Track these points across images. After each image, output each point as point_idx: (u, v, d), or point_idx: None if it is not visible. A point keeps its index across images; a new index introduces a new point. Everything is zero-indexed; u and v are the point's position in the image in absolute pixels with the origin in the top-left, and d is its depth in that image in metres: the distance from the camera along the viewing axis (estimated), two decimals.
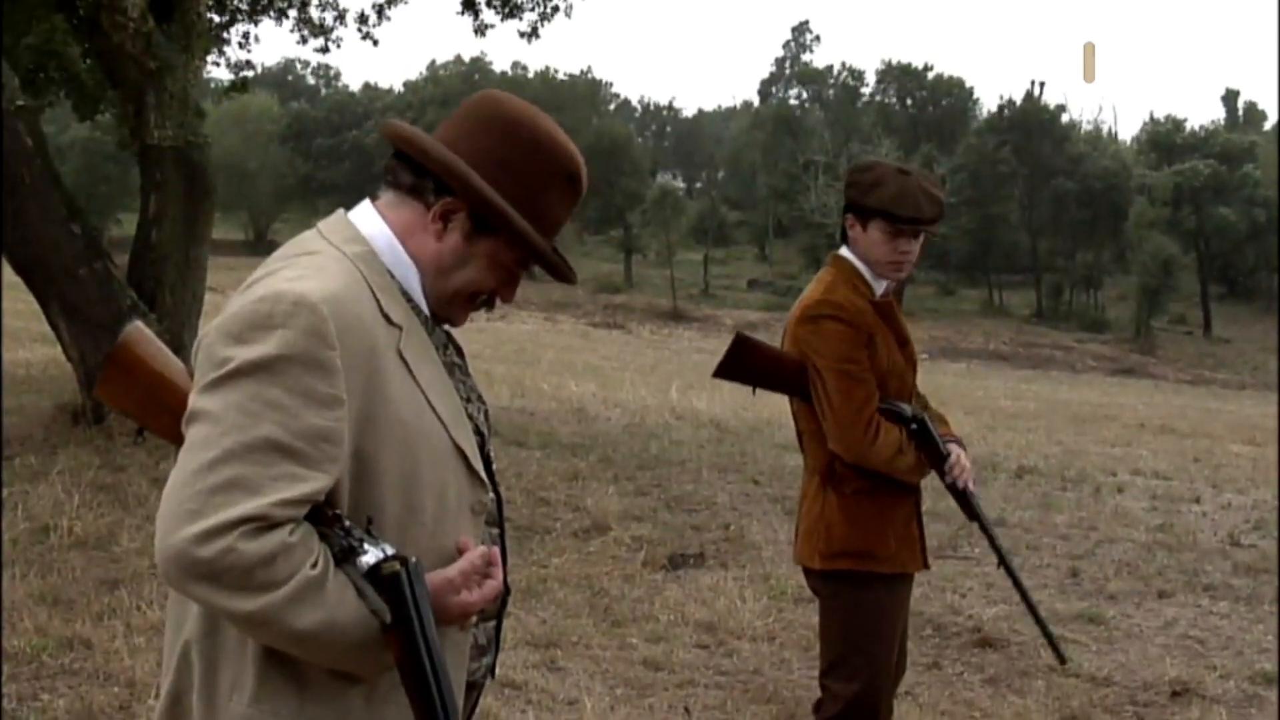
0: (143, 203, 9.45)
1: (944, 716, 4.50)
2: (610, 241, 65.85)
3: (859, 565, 3.04)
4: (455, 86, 66.05)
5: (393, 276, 1.65)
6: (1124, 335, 55.48)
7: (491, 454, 1.77)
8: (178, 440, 1.54)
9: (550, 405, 13.04)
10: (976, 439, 12.14)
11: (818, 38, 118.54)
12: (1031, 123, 64.02)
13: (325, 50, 14.90)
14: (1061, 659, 3.35)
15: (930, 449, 3.06)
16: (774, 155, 66.65)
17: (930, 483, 3.16)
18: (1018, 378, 36.61)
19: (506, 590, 1.71)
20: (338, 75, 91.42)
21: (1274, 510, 8.92)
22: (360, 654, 1.50)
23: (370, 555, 1.47)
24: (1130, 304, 57.85)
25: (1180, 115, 76.99)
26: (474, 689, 1.79)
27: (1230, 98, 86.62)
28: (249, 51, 47.63)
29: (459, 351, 1.79)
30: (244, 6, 13.69)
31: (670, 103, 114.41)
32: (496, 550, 1.65)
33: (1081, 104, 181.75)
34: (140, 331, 1.68)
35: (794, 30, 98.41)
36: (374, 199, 1.72)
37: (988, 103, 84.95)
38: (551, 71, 74.08)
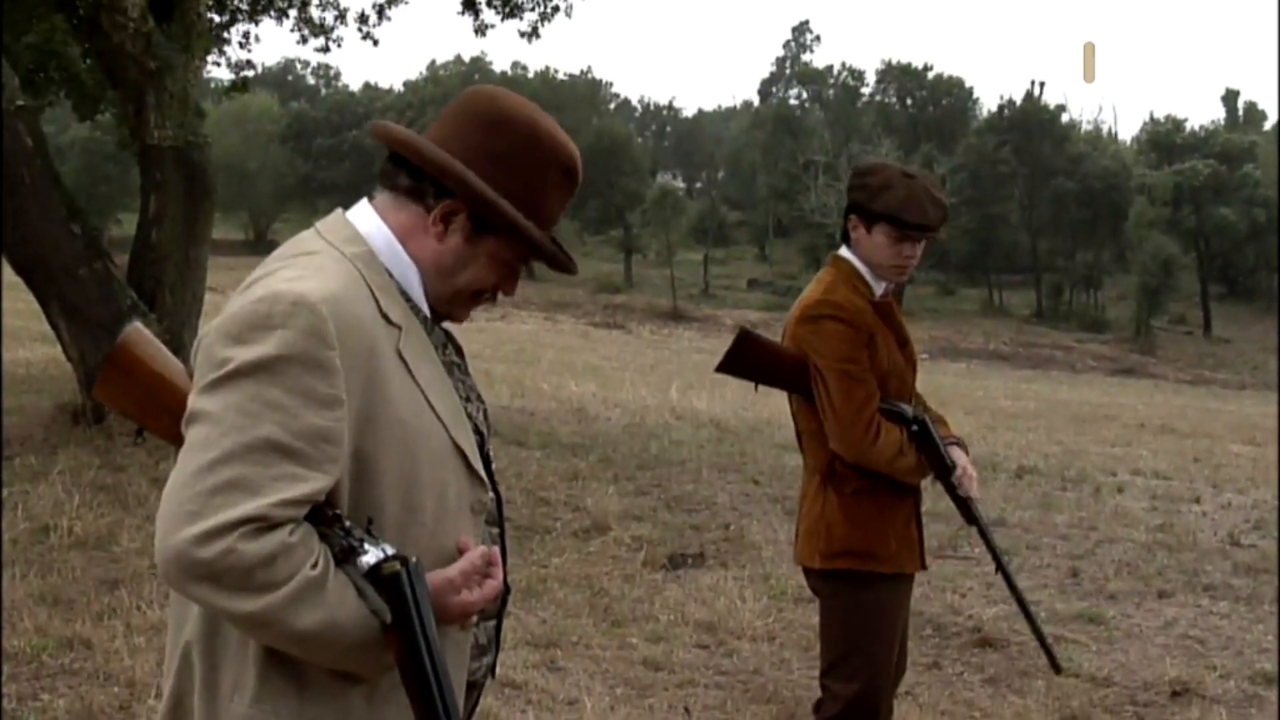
0: (143, 203, 9.46)
1: (944, 716, 4.50)
2: (610, 241, 65.83)
3: (859, 565, 3.04)
4: (455, 86, 65.89)
5: (391, 276, 1.65)
6: (1124, 335, 55.48)
7: (491, 453, 1.77)
8: (177, 441, 1.53)
9: (550, 405, 13.04)
10: (976, 439, 12.13)
11: (818, 38, 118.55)
12: (1031, 123, 64.01)
13: (325, 50, 14.91)
14: (1057, 668, 3.33)
15: (931, 451, 3.06)
16: (774, 155, 66.64)
17: (930, 483, 3.16)
18: (1018, 378, 36.60)
19: (506, 590, 1.71)
20: (338, 75, 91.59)
21: (1274, 510, 8.92)
22: (361, 654, 1.50)
23: (370, 555, 1.47)
24: (1130, 304, 57.84)
25: (1180, 115, 77.26)
26: (474, 688, 1.79)
27: (1230, 98, 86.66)
28: (249, 51, 47.68)
29: (458, 351, 1.79)
30: (244, 6, 13.69)
31: (670, 103, 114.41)
32: (496, 550, 1.65)
33: (1081, 104, 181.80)
34: (139, 332, 1.68)
35: (794, 30, 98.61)
36: (371, 199, 1.72)
37: (988, 103, 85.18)
38: (551, 71, 74.09)
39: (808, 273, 39.89)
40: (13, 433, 8.30)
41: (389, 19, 14.15)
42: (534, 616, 5.30)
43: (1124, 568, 6.90)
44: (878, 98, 74.03)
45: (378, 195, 1.71)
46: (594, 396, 14.46)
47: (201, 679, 1.57)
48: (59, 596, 5.06)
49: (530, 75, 73.04)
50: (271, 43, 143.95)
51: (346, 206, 1.73)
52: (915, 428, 3.04)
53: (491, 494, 1.74)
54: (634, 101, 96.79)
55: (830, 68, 78.39)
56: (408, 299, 1.66)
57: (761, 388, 3.20)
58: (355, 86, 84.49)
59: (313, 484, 1.47)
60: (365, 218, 1.69)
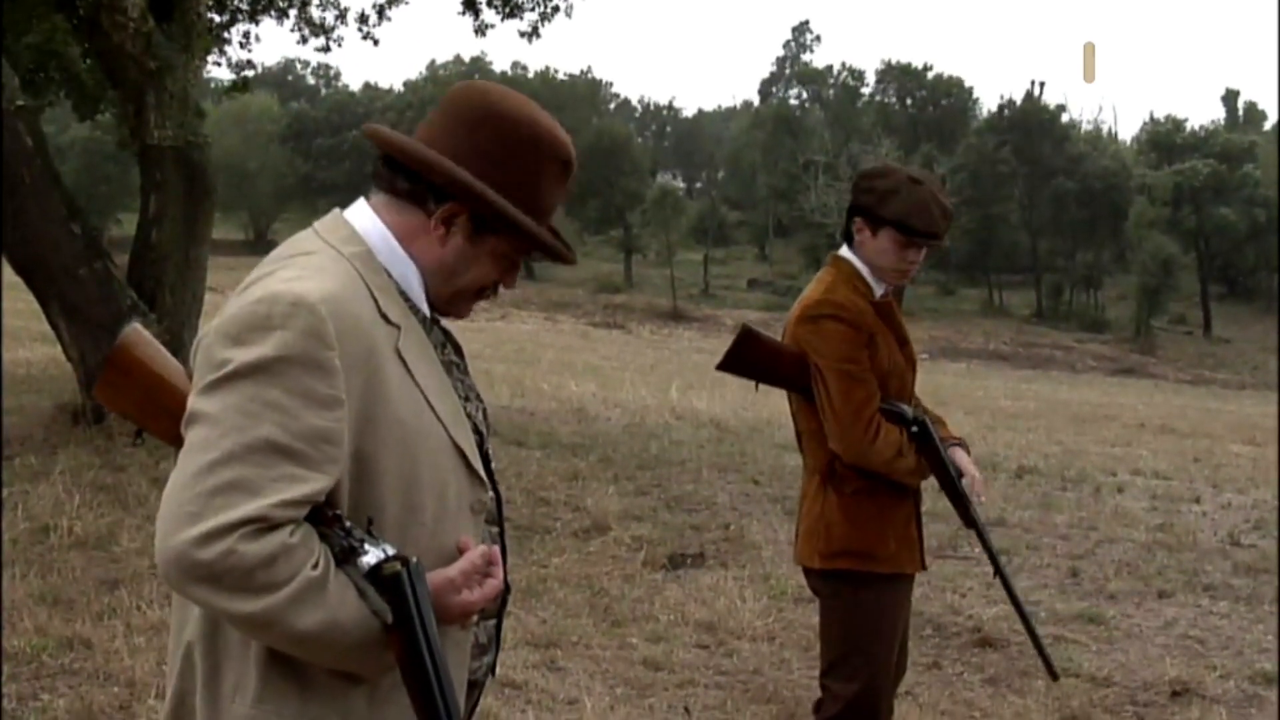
0: (143, 203, 9.46)
1: (944, 716, 4.50)
2: (610, 241, 65.79)
3: (859, 565, 3.04)
4: None
5: (390, 276, 1.65)
6: (1124, 335, 55.47)
7: (490, 453, 1.77)
8: (177, 442, 1.53)
9: (550, 405, 13.04)
10: (976, 439, 12.12)
11: (818, 38, 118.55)
12: (1031, 123, 63.99)
13: (325, 50, 14.92)
14: (1054, 675, 3.33)
15: (931, 452, 3.06)
16: (774, 155, 66.60)
17: (930, 483, 3.16)
18: (1018, 378, 36.60)
19: (507, 589, 1.71)
20: (338, 75, 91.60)
21: (1274, 510, 8.92)
22: (362, 654, 1.50)
23: (371, 555, 1.47)
24: (1130, 304, 57.83)
25: (1180, 115, 77.12)
26: (475, 688, 1.79)
27: (1230, 98, 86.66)
28: (249, 51, 47.51)
29: (457, 350, 1.79)
30: (244, 6, 13.70)
31: (670, 103, 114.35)
32: (496, 549, 1.65)
33: (1081, 104, 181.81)
34: (138, 333, 1.68)
35: (794, 30, 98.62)
36: (367, 199, 1.71)
37: (988, 103, 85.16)
38: (551, 71, 74.13)
39: (808, 273, 39.83)
40: (13, 433, 8.30)
41: (389, 19, 14.17)
42: (534, 616, 5.30)
43: (1124, 568, 6.90)
44: (878, 98, 74.00)
45: (374, 196, 1.70)
46: (594, 396, 14.46)
47: (203, 679, 1.57)
48: (59, 596, 5.06)
49: (530, 75, 73.08)
50: (271, 43, 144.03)
51: (345, 207, 1.73)
52: (915, 429, 3.04)
53: (491, 493, 1.73)
54: (634, 101, 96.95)
55: (830, 68, 78.47)
56: (406, 298, 1.66)
57: (762, 387, 3.20)
58: (355, 86, 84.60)
59: (313, 485, 1.46)
60: (363, 217, 1.68)
